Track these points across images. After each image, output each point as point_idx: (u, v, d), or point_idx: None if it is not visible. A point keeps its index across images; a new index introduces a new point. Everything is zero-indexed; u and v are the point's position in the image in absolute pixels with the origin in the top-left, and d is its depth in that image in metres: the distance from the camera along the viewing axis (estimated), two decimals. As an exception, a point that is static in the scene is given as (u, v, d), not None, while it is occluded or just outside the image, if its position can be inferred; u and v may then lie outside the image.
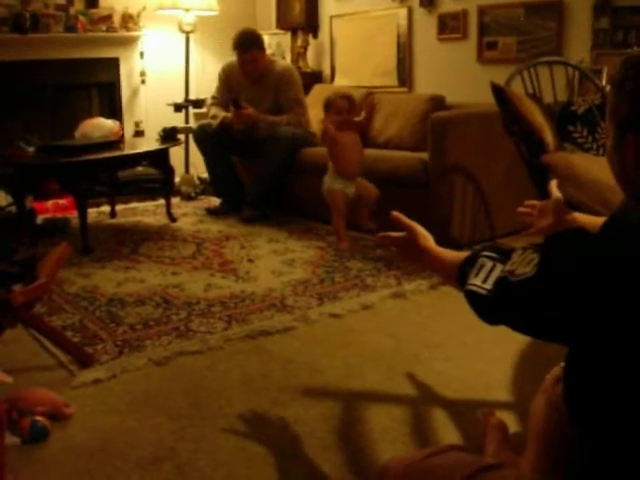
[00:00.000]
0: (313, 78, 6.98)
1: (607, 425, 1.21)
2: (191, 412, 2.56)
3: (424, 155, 4.66)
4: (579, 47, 4.97)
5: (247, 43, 5.63)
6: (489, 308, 1.34)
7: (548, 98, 4.00)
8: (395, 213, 1.88)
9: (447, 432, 2.39)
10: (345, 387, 2.75)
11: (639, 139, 1.22)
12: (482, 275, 1.37)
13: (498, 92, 3.60)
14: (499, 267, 1.34)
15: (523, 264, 1.25)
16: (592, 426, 1.26)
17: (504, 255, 1.37)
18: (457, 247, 4.49)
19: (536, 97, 3.91)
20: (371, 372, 2.87)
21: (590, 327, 1.14)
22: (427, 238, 1.82)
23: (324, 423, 2.47)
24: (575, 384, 1.30)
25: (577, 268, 1.15)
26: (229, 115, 5.62)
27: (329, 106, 4.74)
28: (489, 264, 1.37)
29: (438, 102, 5.44)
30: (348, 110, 4.73)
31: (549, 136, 3.57)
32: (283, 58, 7.12)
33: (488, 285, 1.33)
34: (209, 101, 6.12)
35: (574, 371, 1.28)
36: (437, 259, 1.73)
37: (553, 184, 2.16)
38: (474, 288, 1.36)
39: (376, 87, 6.37)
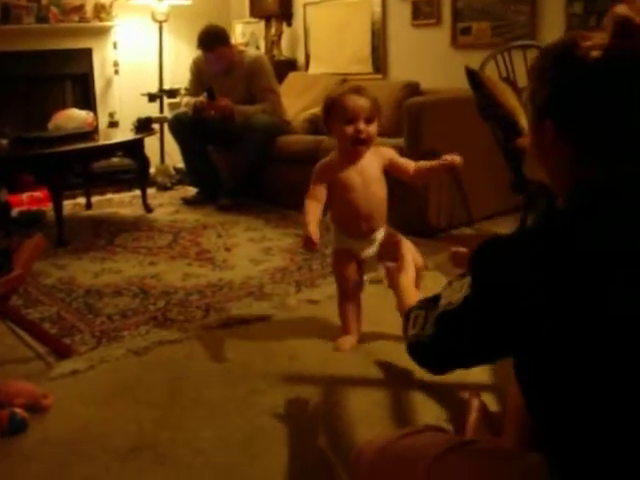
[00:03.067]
0: (287, 66, 6.95)
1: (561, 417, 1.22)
2: (170, 401, 2.56)
3: (399, 141, 4.65)
4: (553, 32, 4.97)
5: (211, 41, 5.61)
6: (434, 352, 1.38)
7: (522, 82, 4.01)
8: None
9: (426, 414, 2.40)
10: (324, 372, 2.75)
11: (556, 125, 1.26)
12: (418, 325, 1.42)
13: (472, 76, 3.62)
14: (433, 312, 1.37)
15: (456, 292, 1.31)
16: (548, 420, 1.27)
17: (432, 301, 1.43)
18: (435, 232, 4.53)
19: (510, 81, 3.93)
20: (350, 357, 2.88)
21: (535, 326, 1.17)
22: (407, 272, 1.96)
23: (303, 409, 2.48)
24: (529, 386, 1.30)
25: (508, 271, 1.19)
26: (201, 98, 5.60)
27: (332, 109, 2.85)
28: (421, 314, 1.43)
29: (413, 88, 5.44)
30: (368, 116, 2.82)
31: (523, 119, 3.58)
32: (257, 47, 7.10)
33: (427, 330, 1.37)
34: (182, 93, 6.10)
35: (525, 375, 1.29)
36: (400, 300, 1.85)
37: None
38: (414, 338, 1.42)
39: (351, 74, 6.35)
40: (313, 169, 2.94)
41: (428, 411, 2.42)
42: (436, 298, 1.39)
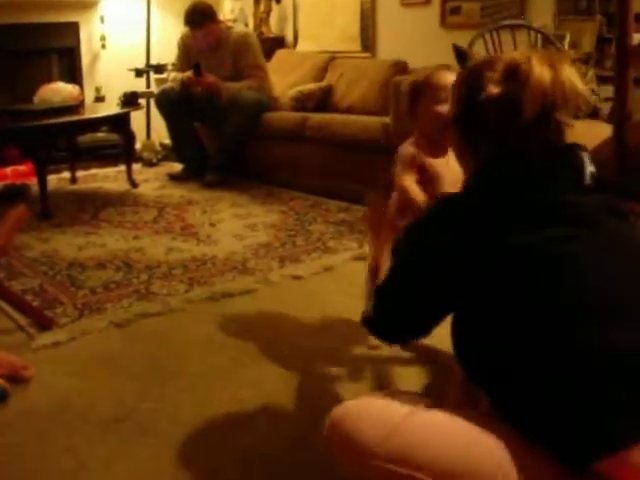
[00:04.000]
0: (276, 43, 6.92)
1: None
2: (152, 373, 2.56)
3: (386, 119, 4.65)
4: (543, 13, 4.96)
5: (197, 19, 5.58)
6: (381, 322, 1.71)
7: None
8: None
9: (407, 384, 2.40)
10: (306, 347, 2.75)
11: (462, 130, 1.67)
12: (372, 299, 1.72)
13: (460, 54, 3.61)
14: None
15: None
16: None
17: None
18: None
19: (498, 60, 3.91)
20: (332, 332, 2.89)
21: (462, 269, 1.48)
22: None
23: (284, 382, 2.48)
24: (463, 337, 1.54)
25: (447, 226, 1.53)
26: (188, 74, 5.57)
27: (422, 90, 2.44)
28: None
29: (401, 67, 5.43)
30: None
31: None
32: (246, 24, 7.05)
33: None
34: (170, 68, 6.08)
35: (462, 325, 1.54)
36: None
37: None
38: (369, 314, 1.73)
39: (339, 52, 6.33)
40: (396, 157, 2.50)
41: (409, 381, 2.42)
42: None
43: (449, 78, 2.21)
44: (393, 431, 1.37)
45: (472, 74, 1.63)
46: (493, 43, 4.03)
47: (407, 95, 2.48)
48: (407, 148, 2.48)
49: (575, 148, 1.54)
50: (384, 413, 1.44)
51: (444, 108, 2.21)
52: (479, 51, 3.87)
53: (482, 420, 1.40)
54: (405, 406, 1.44)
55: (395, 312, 1.64)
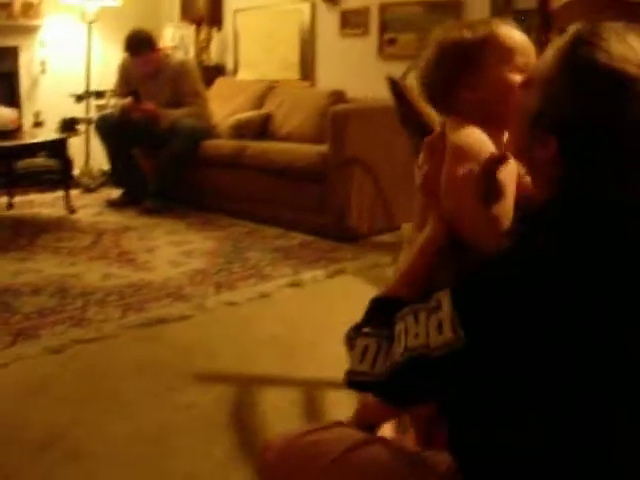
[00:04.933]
0: (216, 71, 6.98)
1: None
2: (85, 398, 2.57)
3: (323, 148, 4.72)
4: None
5: (137, 46, 5.64)
6: (389, 392, 1.22)
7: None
8: None
9: (340, 412, 2.44)
10: (240, 372, 2.79)
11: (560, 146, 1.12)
12: (367, 362, 1.21)
13: (393, 85, 3.68)
14: (385, 346, 1.19)
15: (433, 332, 1.11)
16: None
17: (383, 327, 1.22)
18: (356, 238, 4.60)
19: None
20: (266, 357, 2.92)
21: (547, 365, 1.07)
22: None
23: (218, 407, 2.51)
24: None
25: (512, 315, 1.06)
26: (129, 100, 5.60)
27: (485, 48, 1.47)
28: (372, 345, 1.21)
29: (339, 96, 5.50)
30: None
31: (442, 129, 3.66)
32: (186, 52, 7.10)
33: (379, 369, 1.18)
34: (110, 94, 6.10)
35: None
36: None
37: None
38: (361, 377, 1.22)
39: (279, 81, 6.40)
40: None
41: (342, 409, 2.46)
42: (388, 322, 1.21)
43: (523, 38, 1.51)
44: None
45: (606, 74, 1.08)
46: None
47: (449, 62, 1.49)
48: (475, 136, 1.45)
49: None
50: (310, 456, 1.43)
51: (517, 78, 1.41)
52: (413, 82, 3.95)
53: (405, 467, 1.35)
54: (332, 445, 1.43)
55: (415, 392, 1.22)
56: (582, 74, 1.09)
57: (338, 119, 4.63)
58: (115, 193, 6.04)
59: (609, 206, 1.09)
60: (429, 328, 1.11)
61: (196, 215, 5.40)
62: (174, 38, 7.22)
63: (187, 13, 7.36)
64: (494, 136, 1.47)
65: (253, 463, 2.16)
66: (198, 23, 7.22)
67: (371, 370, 1.19)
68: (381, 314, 1.26)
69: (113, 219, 5.30)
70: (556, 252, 1.06)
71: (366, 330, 1.24)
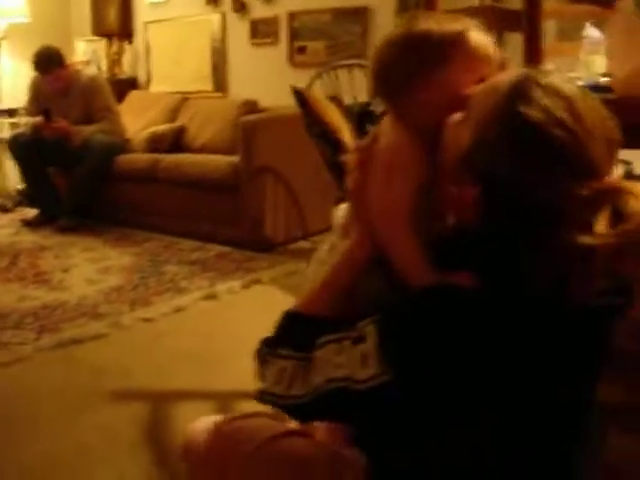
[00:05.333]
0: (129, 85, 6.97)
1: None
2: (-1, 422, 2.56)
3: (235, 158, 4.76)
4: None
5: (45, 64, 5.61)
6: (303, 414, 1.24)
7: (348, 99, 4.17)
8: None
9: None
10: (155, 388, 2.81)
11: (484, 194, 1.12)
12: (283, 383, 1.20)
13: (297, 95, 3.74)
14: (300, 370, 1.18)
15: (356, 365, 1.11)
16: None
17: (302, 347, 1.20)
18: (271, 247, 4.64)
19: (336, 99, 4.07)
20: (181, 372, 2.95)
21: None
22: None
23: (133, 425, 2.52)
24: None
25: (434, 353, 1.08)
26: (39, 119, 5.56)
27: (453, 48, 1.26)
28: (289, 367, 1.19)
29: (250, 106, 5.56)
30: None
31: (347, 135, 3.73)
32: (99, 66, 7.07)
33: (297, 391, 1.17)
34: (21, 112, 6.04)
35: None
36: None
37: None
38: (274, 399, 1.22)
39: (192, 92, 6.43)
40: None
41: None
42: (306, 345, 1.18)
43: (491, 45, 1.32)
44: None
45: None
46: (332, 82, 4.19)
47: (413, 56, 1.28)
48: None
49: None
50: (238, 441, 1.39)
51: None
52: (317, 91, 4.01)
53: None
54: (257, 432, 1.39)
55: (333, 416, 1.26)
56: (516, 133, 1.07)
57: (248, 129, 4.67)
58: (32, 213, 5.99)
59: (528, 252, 1.08)
60: (353, 360, 1.11)
61: (112, 231, 5.38)
62: (86, 52, 7.20)
63: (98, 27, 7.34)
64: (428, 147, 1.29)
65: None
66: (109, 37, 7.21)
67: (287, 392, 1.18)
68: (298, 332, 1.24)
69: (29, 239, 5.26)
70: (480, 293, 1.08)
71: (283, 352, 1.22)
